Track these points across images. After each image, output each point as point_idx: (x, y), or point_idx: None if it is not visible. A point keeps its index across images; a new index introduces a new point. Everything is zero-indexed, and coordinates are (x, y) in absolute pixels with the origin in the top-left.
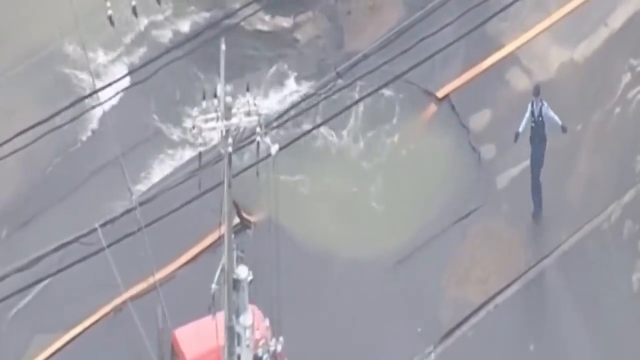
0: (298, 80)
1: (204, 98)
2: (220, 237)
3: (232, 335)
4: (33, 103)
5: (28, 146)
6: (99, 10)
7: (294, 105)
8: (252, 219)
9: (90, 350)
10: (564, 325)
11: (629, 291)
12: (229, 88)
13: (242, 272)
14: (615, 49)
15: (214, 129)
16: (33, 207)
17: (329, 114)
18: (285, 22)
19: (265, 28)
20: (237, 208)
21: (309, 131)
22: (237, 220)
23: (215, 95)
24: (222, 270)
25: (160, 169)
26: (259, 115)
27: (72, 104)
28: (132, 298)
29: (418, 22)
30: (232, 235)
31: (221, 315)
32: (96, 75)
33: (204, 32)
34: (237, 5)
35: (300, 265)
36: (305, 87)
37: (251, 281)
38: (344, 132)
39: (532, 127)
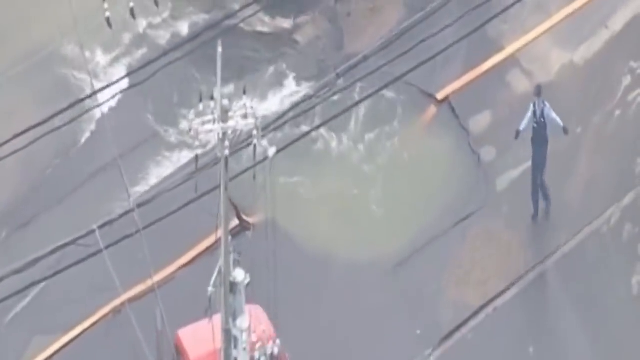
0: (298, 81)
1: (200, 100)
2: (218, 240)
3: (229, 338)
4: (32, 104)
5: (27, 147)
6: (98, 11)
7: (293, 107)
8: (251, 220)
9: (89, 352)
10: (564, 328)
11: (629, 294)
12: (229, 89)
13: (239, 274)
14: (615, 52)
15: (210, 131)
16: (32, 208)
17: (329, 115)
18: (285, 24)
19: (265, 29)
20: (236, 210)
21: (309, 132)
22: (236, 222)
23: (212, 98)
24: (219, 272)
25: (159, 171)
26: (256, 118)
27: (71, 106)
28: (131, 300)
29: (418, 24)
30: (229, 238)
31: (218, 318)
32: (95, 76)
33: (203, 34)
34: (237, 7)
35: (300, 267)
36: (305, 89)
37: (248, 284)
38: (344, 135)
39: (534, 128)
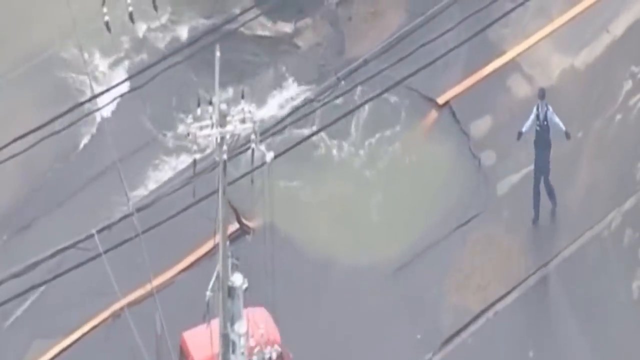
0: (298, 85)
1: (198, 105)
2: (217, 244)
3: (227, 343)
4: (31, 107)
5: (26, 151)
6: (98, 15)
7: (293, 111)
8: (251, 224)
9: (89, 356)
10: (564, 332)
11: (629, 298)
12: (228, 94)
13: (237, 279)
14: (616, 56)
15: (208, 136)
16: (31, 211)
17: (330, 120)
18: (286, 28)
19: (265, 33)
20: (236, 214)
21: (309, 137)
22: (236, 225)
23: (210, 102)
24: (217, 277)
25: (158, 175)
26: (254, 122)
27: (71, 109)
28: (130, 304)
29: (419, 28)
30: (227, 243)
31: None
32: (94, 79)
33: (203, 38)
34: (237, 11)
35: (300, 271)
36: (306, 93)
37: (246, 289)
38: (345, 139)
39: (537, 131)
